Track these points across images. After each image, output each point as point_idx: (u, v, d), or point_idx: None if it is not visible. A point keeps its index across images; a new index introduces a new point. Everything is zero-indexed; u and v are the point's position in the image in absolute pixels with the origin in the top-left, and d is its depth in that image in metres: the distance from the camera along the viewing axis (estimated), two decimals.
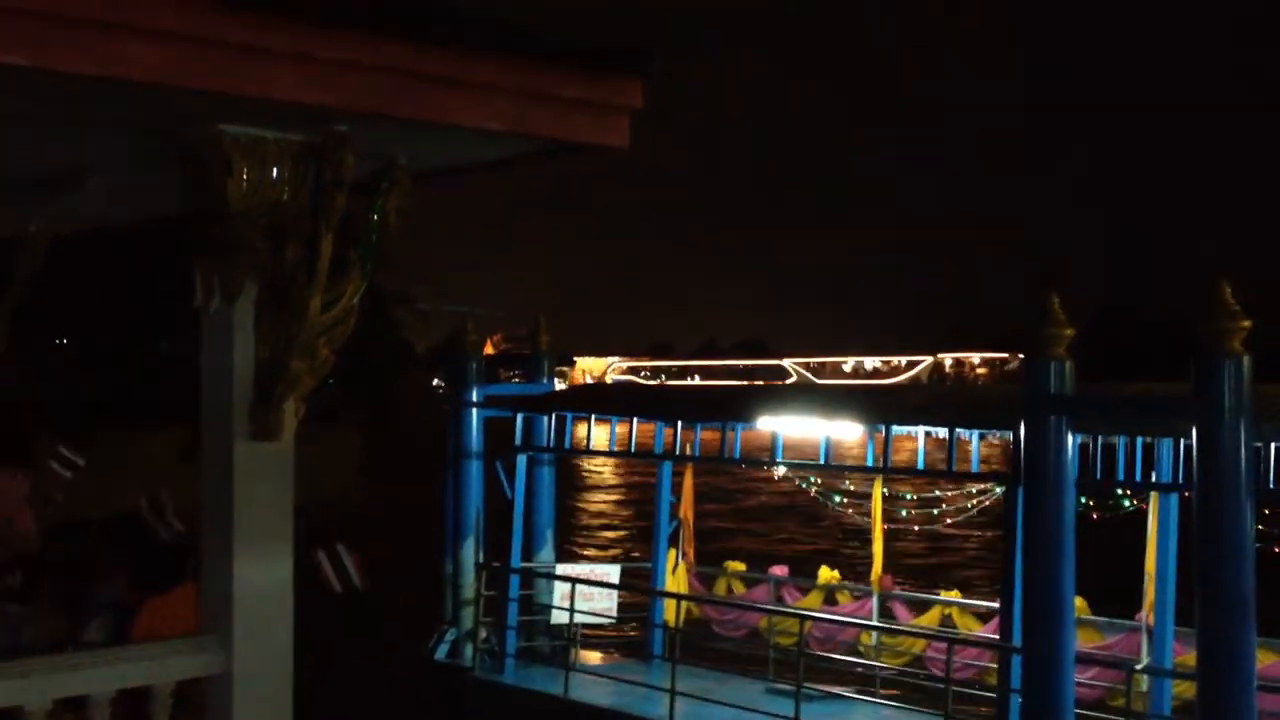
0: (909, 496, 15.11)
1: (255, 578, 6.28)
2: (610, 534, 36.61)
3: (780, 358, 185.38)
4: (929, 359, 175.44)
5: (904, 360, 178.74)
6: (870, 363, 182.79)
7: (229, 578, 6.24)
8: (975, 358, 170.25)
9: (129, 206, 7.71)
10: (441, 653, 13.84)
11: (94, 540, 8.19)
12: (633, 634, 15.05)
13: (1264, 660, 10.12)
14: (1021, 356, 9.73)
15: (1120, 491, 10.67)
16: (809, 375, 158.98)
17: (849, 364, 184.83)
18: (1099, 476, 10.09)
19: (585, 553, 30.02)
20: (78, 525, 8.17)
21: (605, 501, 46.04)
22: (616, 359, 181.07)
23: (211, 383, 6.27)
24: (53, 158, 6.35)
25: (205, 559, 6.41)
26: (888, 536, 14.05)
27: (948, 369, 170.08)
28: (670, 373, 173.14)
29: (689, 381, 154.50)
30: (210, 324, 6.21)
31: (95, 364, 32.19)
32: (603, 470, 55.04)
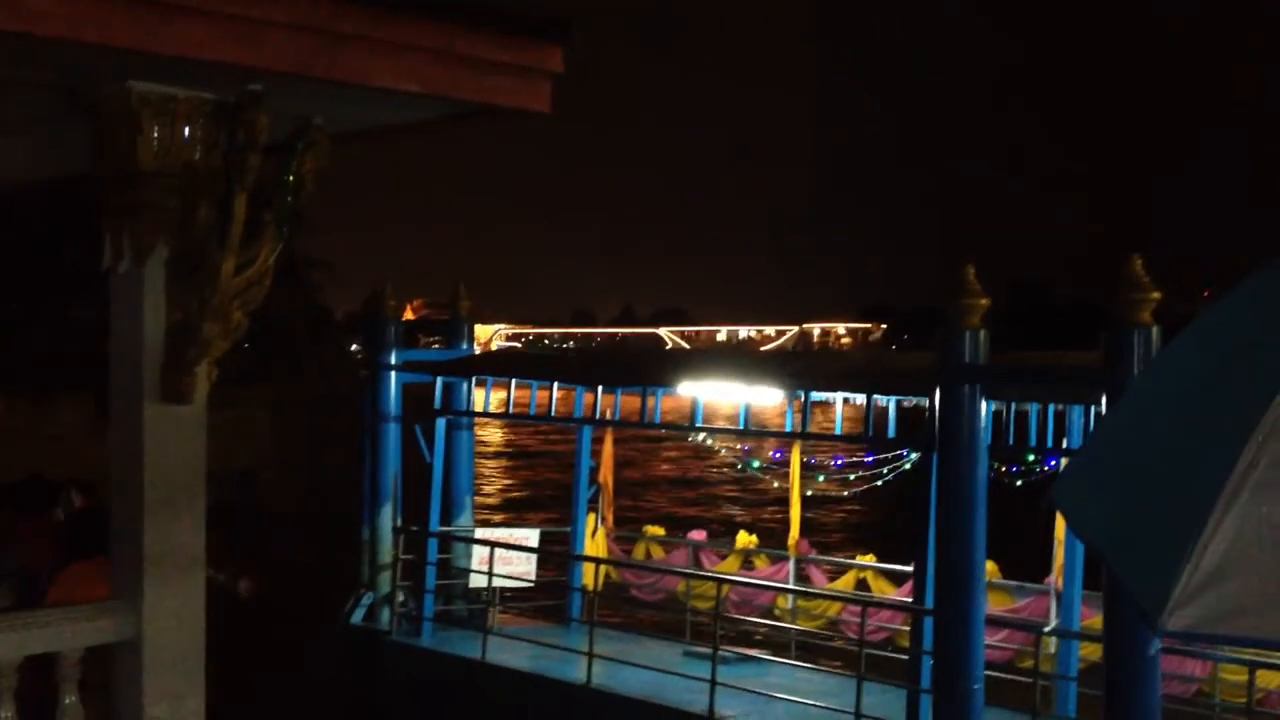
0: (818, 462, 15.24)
1: (166, 543, 6.19)
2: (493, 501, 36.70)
3: (662, 325, 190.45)
4: (795, 328, 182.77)
5: (773, 330, 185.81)
6: (744, 331, 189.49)
7: (139, 543, 6.16)
8: (840, 327, 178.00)
9: (36, 165, 7.51)
10: (358, 617, 13.78)
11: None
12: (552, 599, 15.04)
13: None
14: (884, 326, 9.86)
15: (1032, 457, 10.85)
16: (683, 344, 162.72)
17: (722, 333, 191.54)
18: (1011, 443, 10.26)
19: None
20: None
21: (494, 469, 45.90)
22: (502, 326, 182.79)
23: (120, 346, 6.16)
24: None
25: (114, 524, 6.32)
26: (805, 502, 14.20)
27: (815, 338, 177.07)
28: (552, 340, 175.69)
29: (567, 347, 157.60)
30: (119, 286, 6.09)
31: (1, 328, 31.46)
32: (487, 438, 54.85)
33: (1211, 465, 2.43)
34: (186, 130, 5.66)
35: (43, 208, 27.02)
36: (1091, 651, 10.53)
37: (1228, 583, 2.35)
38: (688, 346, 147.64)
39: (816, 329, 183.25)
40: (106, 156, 5.73)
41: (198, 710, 6.39)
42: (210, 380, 6.18)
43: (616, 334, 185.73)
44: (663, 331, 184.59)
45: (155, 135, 5.59)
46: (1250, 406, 2.42)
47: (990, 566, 10.64)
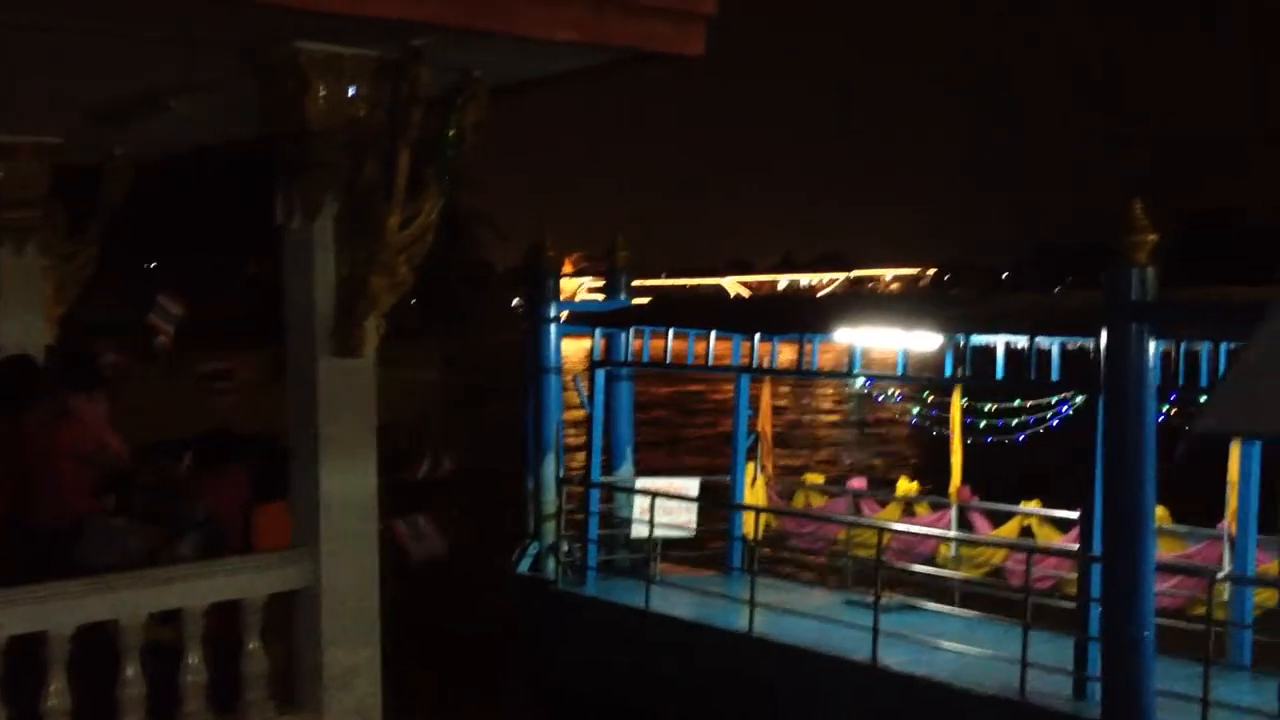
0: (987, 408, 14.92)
1: (341, 492, 6.40)
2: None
3: (849, 269, 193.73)
4: (843, 275, 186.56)
5: (826, 277, 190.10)
6: (804, 280, 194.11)
7: (315, 493, 6.37)
8: (888, 274, 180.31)
9: (210, 129, 7.79)
10: (524, 566, 14.05)
11: (186, 458, 8.38)
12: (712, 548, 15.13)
13: None
14: (932, 272, 9.56)
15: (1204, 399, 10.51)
16: (744, 292, 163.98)
17: (783, 281, 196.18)
18: (1181, 383, 9.95)
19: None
20: (167, 444, 8.36)
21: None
22: (588, 279, 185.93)
23: (294, 301, 6.36)
24: (132, 83, 6.43)
25: (292, 476, 6.55)
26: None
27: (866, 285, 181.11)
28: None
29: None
30: (291, 243, 6.29)
31: (183, 288, 32.71)
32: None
33: None
34: (352, 88, 5.81)
35: (218, 169, 27.96)
36: (1267, 598, 10.21)
37: (1253, 384, 2.49)
38: (747, 294, 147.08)
39: (864, 275, 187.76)
40: (277, 117, 5.91)
41: (373, 655, 6.61)
42: (379, 334, 6.36)
43: (684, 284, 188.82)
44: (726, 281, 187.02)
45: (323, 94, 5.74)
46: None
47: (1160, 511, 10.37)
